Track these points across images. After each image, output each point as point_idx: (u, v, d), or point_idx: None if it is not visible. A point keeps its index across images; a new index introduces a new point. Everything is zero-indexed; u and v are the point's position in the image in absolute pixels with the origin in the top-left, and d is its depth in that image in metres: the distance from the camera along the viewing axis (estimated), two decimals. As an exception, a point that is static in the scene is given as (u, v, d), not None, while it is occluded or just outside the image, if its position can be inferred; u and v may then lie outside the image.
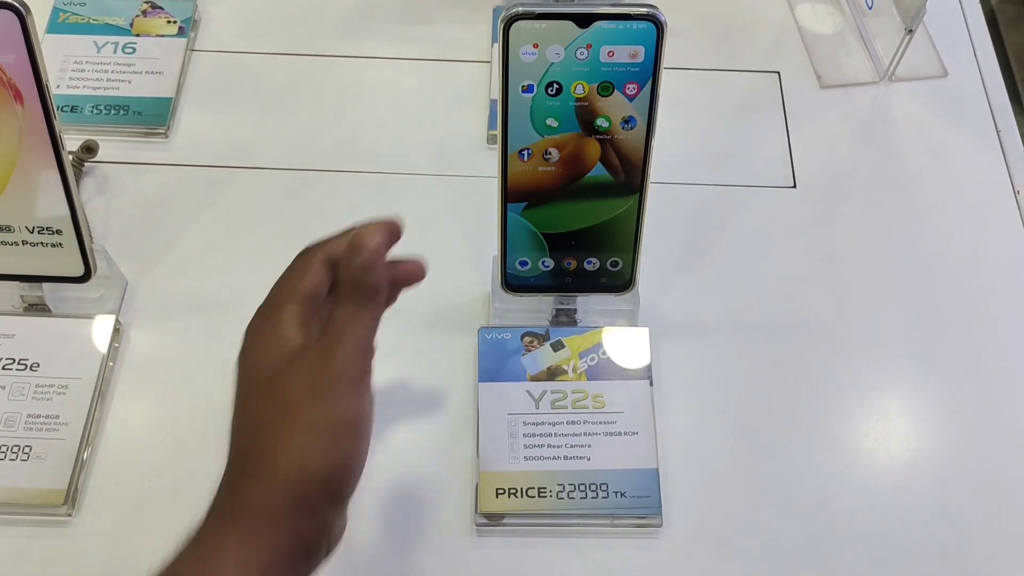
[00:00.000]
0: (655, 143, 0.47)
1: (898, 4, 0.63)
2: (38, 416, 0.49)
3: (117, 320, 0.53)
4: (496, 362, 0.52)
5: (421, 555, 0.48)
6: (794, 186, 0.60)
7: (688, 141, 0.62)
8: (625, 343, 0.53)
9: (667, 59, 0.65)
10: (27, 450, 0.48)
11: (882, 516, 0.50)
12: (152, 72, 0.62)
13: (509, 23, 0.42)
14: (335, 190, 0.59)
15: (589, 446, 0.50)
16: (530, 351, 0.52)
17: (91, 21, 0.64)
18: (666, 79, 0.64)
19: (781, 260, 0.57)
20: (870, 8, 0.66)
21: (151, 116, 0.61)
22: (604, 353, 0.52)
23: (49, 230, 0.50)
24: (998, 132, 0.63)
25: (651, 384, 0.52)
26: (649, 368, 0.52)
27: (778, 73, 0.65)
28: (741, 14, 0.68)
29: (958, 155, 0.62)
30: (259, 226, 0.58)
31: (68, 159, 0.48)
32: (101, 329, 0.52)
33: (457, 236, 0.58)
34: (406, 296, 0.55)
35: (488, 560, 0.48)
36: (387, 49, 0.66)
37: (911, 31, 0.61)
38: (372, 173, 0.60)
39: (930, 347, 0.55)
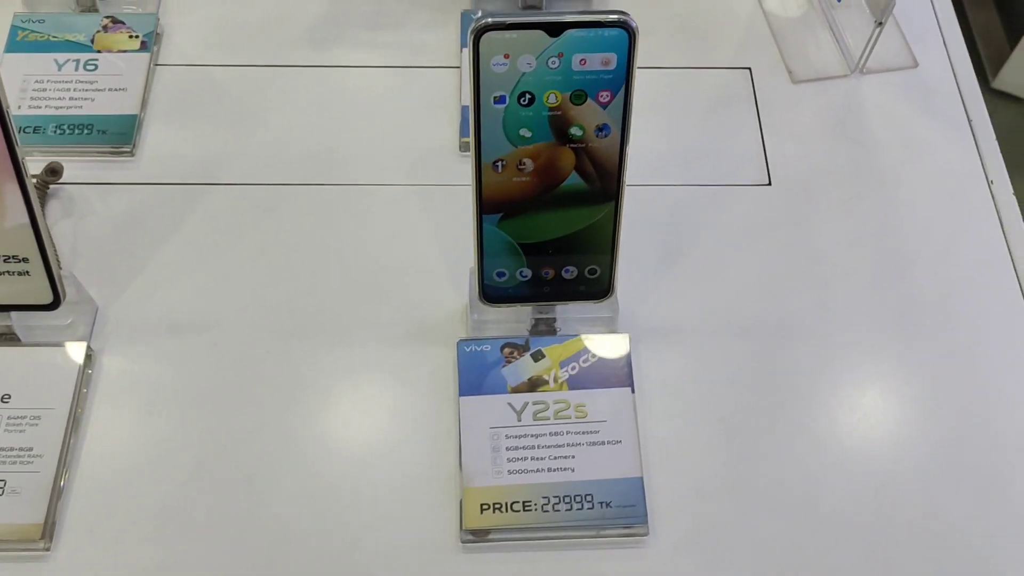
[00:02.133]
0: (629, 149, 0.46)
1: (867, -4, 0.63)
2: (11, 449, 0.48)
3: (89, 347, 0.52)
4: (476, 375, 0.51)
5: (408, 574, 0.47)
6: (769, 183, 0.60)
7: (660, 142, 0.62)
8: (606, 350, 0.52)
9: (637, 59, 0.65)
10: (1, 485, 0.47)
11: (870, 515, 0.49)
12: (116, 89, 0.61)
13: (479, 34, 0.41)
14: (307, 204, 0.58)
15: (573, 457, 0.49)
16: (510, 362, 0.52)
17: (51, 38, 0.63)
18: (637, 80, 0.64)
19: (759, 259, 0.57)
20: (839, 0, 0.66)
21: (116, 134, 0.59)
22: (585, 361, 0.52)
23: (15, 258, 0.49)
24: (970, 122, 0.63)
25: (633, 391, 0.51)
26: (631, 375, 0.52)
27: (749, 69, 0.65)
28: (710, 10, 0.68)
29: (931, 146, 0.62)
30: (231, 244, 0.57)
31: (31, 184, 0.47)
32: (72, 357, 0.51)
33: (433, 247, 0.57)
34: (383, 311, 0.55)
35: (476, 576, 0.47)
36: (355, 57, 0.65)
37: (881, 23, 0.61)
38: (344, 185, 0.59)
39: (912, 342, 0.55)
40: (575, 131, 0.45)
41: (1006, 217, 0.60)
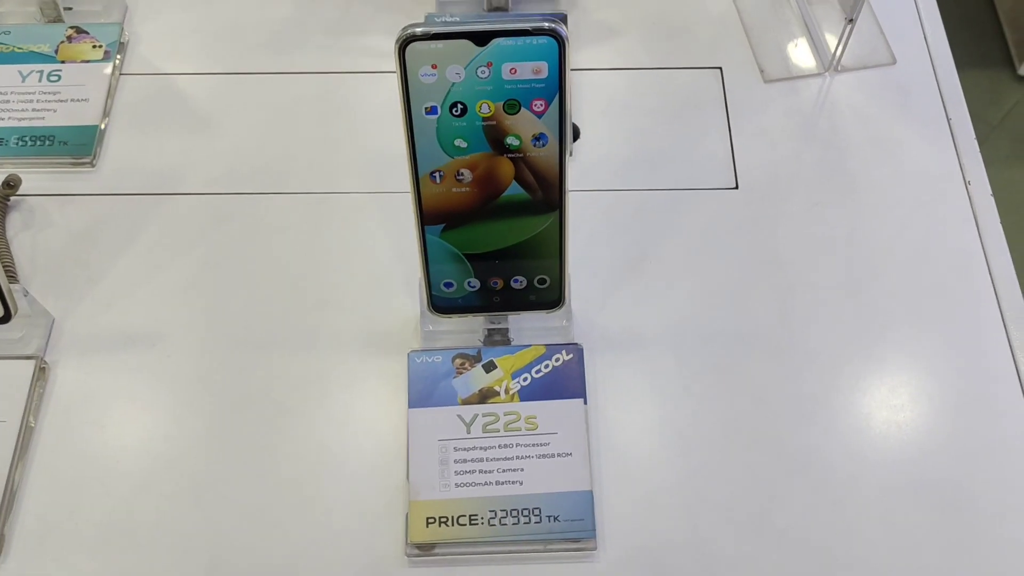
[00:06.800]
0: (568, 158, 0.45)
1: (840, -8, 0.61)
2: (-41, 463, 0.48)
3: (43, 360, 0.52)
4: (427, 386, 0.51)
5: (352, 590, 0.47)
6: (736, 187, 0.59)
7: (626, 145, 0.60)
8: (558, 361, 0.51)
9: (607, 60, 0.64)
10: (-52, 500, 0.47)
11: (825, 531, 0.48)
12: (78, 99, 0.61)
13: (404, 45, 0.41)
14: (265, 212, 0.58)
15: (522, 470, 0.49)
16: (461, 373, 0.51)
17: (15, 50, 0.63)
18: (605, 81, 0.63)
19: (722, 266, 0.56)
20: (813, -3, 0.64)
21: (77, 145, 0.59)
22: (537, 372, 0.51)
23: (-38, 273, 0.49)
24: (948, 120, 0.61)
25: (585, 402, 0.50)
26: (583, 386, 0.51)
27: (720, 69, 0.64)
28: (682, 8, 0.66)
29: (907, 146, 0.60)
30: (187, 254, 0.56)
31: (-26, 201, 0.47)
32: (24, 371, 0.51)
33: (390, 256, 0.56)
34: (338, 321, 0.54)
35: (420, 592, 0.47)
36: (318, 63, 0.64)
37: (852, 20, 0.60)
38: (301, 194, 0.59)
39: (878, 350, 0.53)
40: (511, 141, 0.44)
41: (983, 219, 0.58)
